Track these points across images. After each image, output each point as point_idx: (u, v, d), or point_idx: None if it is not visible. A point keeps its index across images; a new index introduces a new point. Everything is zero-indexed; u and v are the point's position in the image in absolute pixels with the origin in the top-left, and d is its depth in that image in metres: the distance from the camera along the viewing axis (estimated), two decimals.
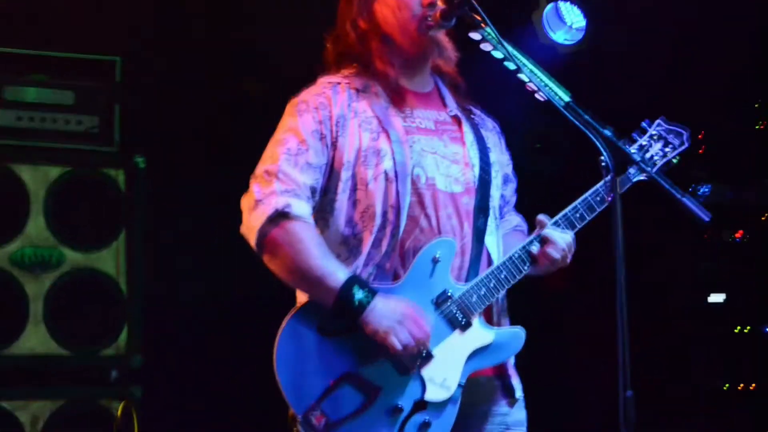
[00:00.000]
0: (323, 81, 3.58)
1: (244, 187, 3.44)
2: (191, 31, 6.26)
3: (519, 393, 3.56)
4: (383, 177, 3.41)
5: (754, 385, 6.91)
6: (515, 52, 3.27)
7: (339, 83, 3.54)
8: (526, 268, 3.47)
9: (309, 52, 3.74)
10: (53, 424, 5.65)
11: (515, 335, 3.46)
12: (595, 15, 6.50)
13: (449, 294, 3.38)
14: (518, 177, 3.84)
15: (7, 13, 5.81)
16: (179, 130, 6.26)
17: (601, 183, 3.53)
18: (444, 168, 3.49)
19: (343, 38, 3.62)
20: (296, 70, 3.74)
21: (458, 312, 3.38)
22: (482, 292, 3.41)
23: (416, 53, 3.56)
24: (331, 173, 3.45)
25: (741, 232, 7.00)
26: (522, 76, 3.29)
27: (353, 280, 3.27)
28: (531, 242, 3.49)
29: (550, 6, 6.46)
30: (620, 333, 2.86)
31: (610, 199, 3.00)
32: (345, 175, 3.42)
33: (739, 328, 6.96)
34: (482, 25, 3.35)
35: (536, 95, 3.25)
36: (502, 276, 3.44)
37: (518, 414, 3.56)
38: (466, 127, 3.61)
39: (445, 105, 3.64)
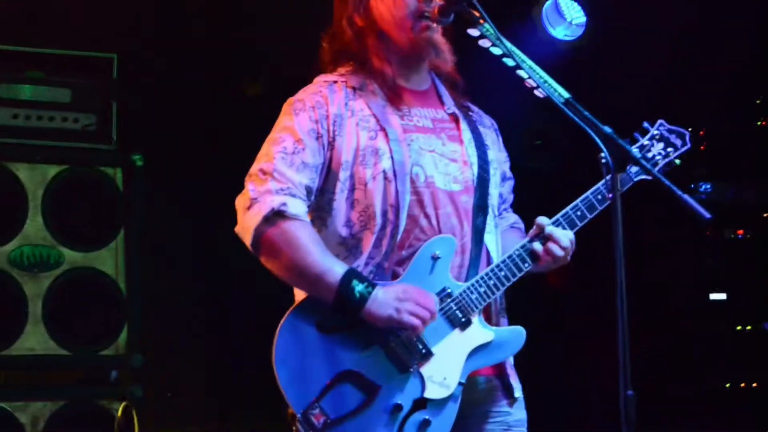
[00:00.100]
0: (320, 80, 3.56)
1: (243, 185, 3.42)
2: (190, 29, 6.25)
3: (518, 393, 3.54)
4: (382, 176, 3.38)
5: (756, 383, 6.89)
6: (514, 49, 3.24)
7: (335, 82, 3.52)
8: (526, 266, 3.45)
9: (309, 52, 3.71)
10: (53, 425, 5.65)
11: (516, 334, 3.44)
12: (595, 11, 6.49)
13: (449, 292, 3.36)
14: (518, 174, 3.82)
15: (3, 11, 5.80)
16: (177, 128, 6.25)
17: (603, 182, 3.50)
18: (442, 166, 3.47)
19: (339, 36, 3.60)
20: (296, 70, 3.72)
21: (458, 310, 3.37)
22: (482, 290, 3.39)
23: (412, 52, 3.53)
24: (329, 173, 3.42)
25: (742, 230, 6.98)
26: (521, 73, 3.27)
27: (351, 274, 3.26)
28: (532, 240, 3.47)
29: (549, 1, 6.45)
30: (621, 332, 2.84)
31: (610, 197, 2.98)
32: (343, 175, 3.40)
33: (740, 326, 6.94)
34: (481, 21, 3.33)
35: (535, 92, 3.23)
36: (502, 274, 3.42)
37: (519, 414, 3.54)
38: (464, 125, 3.59)
39: (442, 103, 3.62)
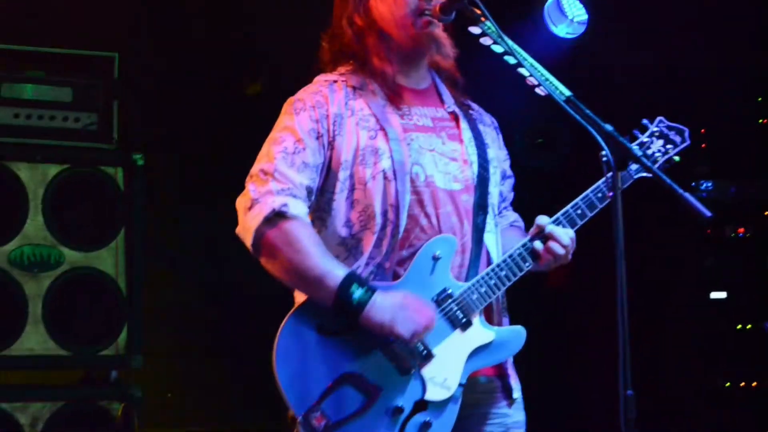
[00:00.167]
0: (320, 79, 3.55)
1: (244, 184, 3.41)
2: (191, 28, 6.25)
3: (517, 393, 3.53)
4: (381, 176, 3.37)
5: (756, 382, 6.88)
6: (515, 47, 3.23)
7: (335, 81, 3.51)
8: (526, 265, 3.44)
9: (309, 52, 3.71)
10: (53, 425, 5.63)
11: (516, 334, 3.43)
12: (597, 9, 6.49)
13: (449, 292, 3.35)
14: (519, 173, 3.82)
15: (3, 10, 5.79)
16: (178, 128, 6.24)
17: (603, 180, 3.49)
18: (442, 165, 3.46)
19: (338, 36, 3.58)
20: (296, 70, 3.71)
21: (459, 310, 3.36)
22: (483, 290, 3.38)
23: (414, 49, 3.53)
24: (329, 173, 3.42)
25: (743, 228, 6.98)
26: (522, 71, 3.26)
27: (351, 279, 3.24)
28: (532, 239, 3.46)
29: None
30: (621, 332, 2.83)
31: (611, 195, 2.97)
32: (343, 174, 3.39)
33: (740, 325, 6.93)
34: (482, 19, 3.32)
35: (537, 90, 3.22)
36: (503, 274, 3.41)
37: (518, 415, 3.53)
38: (464, 124, 3.58)
39: (442, 101, 3.60)
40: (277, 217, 3.29)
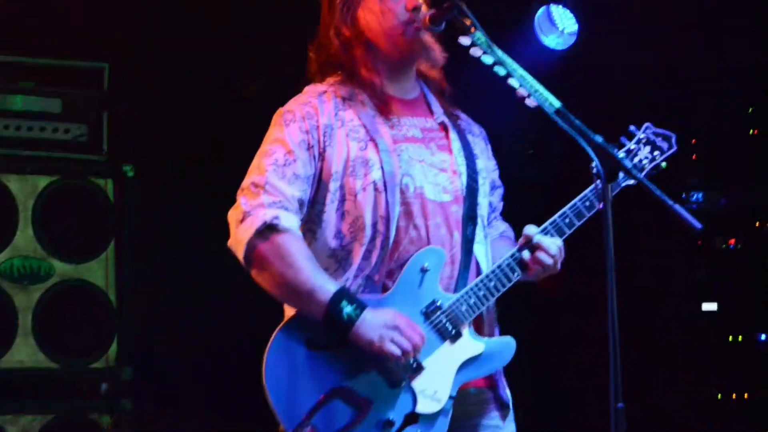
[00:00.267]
0: (309, 90, 3.55)
1: (235, 197, 3.40)
2: (181, 39, 6.23)
3: (510, 404, 3.53)
4: (372, 187, 3.37)
5: (747, 394, 6.88)
6: (505, 57, 3.23)
7: (325, 92, 3.51)
8: (515, 275, 3.44)
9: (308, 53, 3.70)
10: None
11: (506, 345, 3.43)
12: (588, 20, 6.49)
13: (438, 304, 3.35)
14: (510, 184, 3.81)
15: None
16: (169, 139, 6.23)
17: (590, 188, 3.51)
18: (432, 176, 3.45)
19: (325, 46, 3.57)
20: (296, 69, 3.70)
21: (448, 322, 3.35)
22: (472, 302, 3.37)
23: (402, 59, 3.52)
24: (319, 184, 3.41)
25: (734, 240, 6.98)
26: (512, 82, 3.26)
27: (341, 295, 3.23)
28: (521, 249, 3.45)
29: (542, 9, 6.45)
30: (611, 344, 2.83)
31: (601, 206, 2.96)
32: (333, 186, 3.39)
33: (732, 336, 6.93)
34: (472, 29, 3.31)
35: (526, 101, 3.22)
36: (492, 285, 3.40)
37: (509, 427, 3.53)
38: (453, 134, 3.57)
39: (431, 112, 3.60)
40: (269, 230, 3.28)
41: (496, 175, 3.75)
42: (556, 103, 3.14)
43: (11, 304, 5.63)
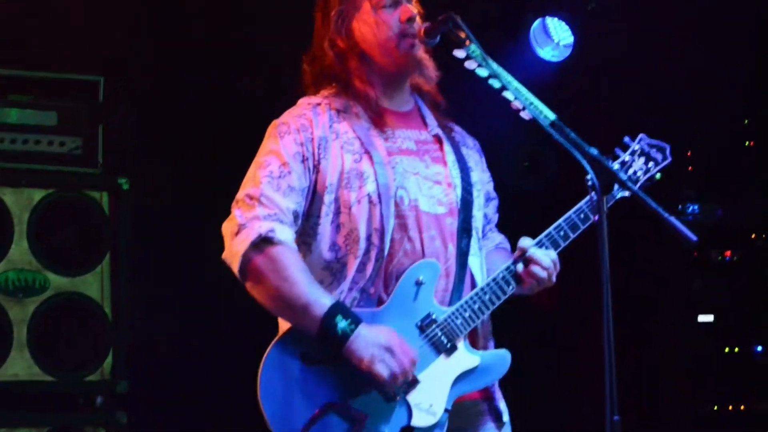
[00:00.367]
0: (303, 102, 3.55)
1: (230, 210, 3.40)
2: (173, 53, 6.23)
3: (506, 417, 3.52)
4: (366, 200, 3.36)
5: (743, 406, 6.87)
6: (500, 70, 3.23)
7: (319, 104, 3.51)
8: (510, 288, 3.43)
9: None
10: None
11: (501, 358, 3.42)
12: (583, 32, 6.50)
13: (433, 317, 3.34)
14: (506, 196, 3.81)
15: None
16: (164, 152, 6.22)
17: (585, 201, 3.51)
18: (426, 189, 3.45)
19: (320, 58, 3.58)
20: (296, 69, 3.69)
21: (443, 336, 3.34)
22: (467, 315, 3.37)
23: (396, 71, 3.52)
24: (314, 197, 3.40)
25: (730, 252, 6.98)
26: (507, 95, 3.26)
27: (336, 309, 3.22)
28: (515, 262, 3.45)
29: (537, 22, 6.45)
30: (607, 356, 2.83)
31: (596, 219, 2.96)
32: (328, 198, 3.38)
33: (728, 348, 6.93)
34: (467, 42, 3.31)
35: (521, 114, 3.22)
36: (487, 298, 3.40)
37: None
38: (447, 147, 3.57)
39: (425, 124, 3.60)
40: (264, 242, 3.28)
41: (490, 186, 3.75)
42: (551, 116, 3.14)
43: (6, 317, 5.61)
